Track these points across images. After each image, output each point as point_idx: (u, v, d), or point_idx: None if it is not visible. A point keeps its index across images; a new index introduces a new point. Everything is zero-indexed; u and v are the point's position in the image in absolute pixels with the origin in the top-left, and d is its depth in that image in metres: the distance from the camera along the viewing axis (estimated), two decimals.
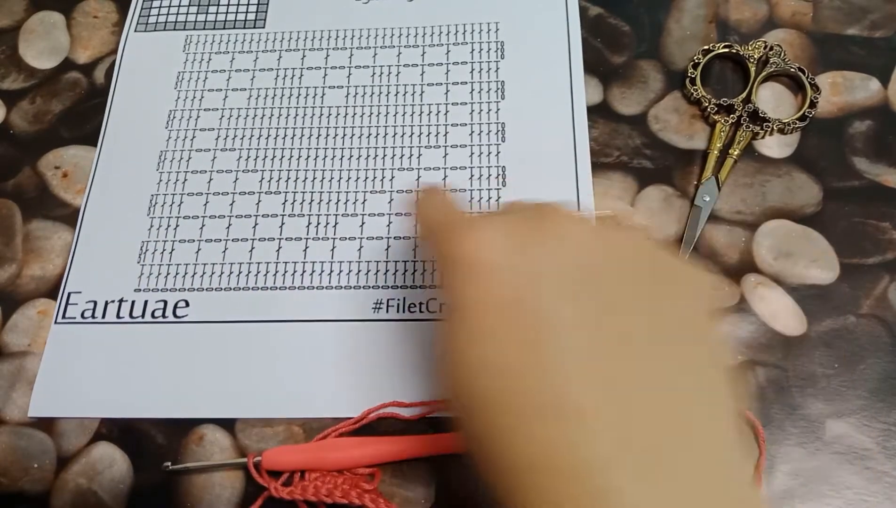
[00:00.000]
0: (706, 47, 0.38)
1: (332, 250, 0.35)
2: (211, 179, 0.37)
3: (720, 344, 0.21)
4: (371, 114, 0.38)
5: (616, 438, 0.17)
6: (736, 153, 0.36)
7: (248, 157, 0.37)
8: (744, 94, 0.37)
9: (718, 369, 0.19)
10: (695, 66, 0.38)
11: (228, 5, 0.42)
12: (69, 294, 0.35)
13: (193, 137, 0.38)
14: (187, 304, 0.34)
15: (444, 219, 0.22)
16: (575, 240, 0.19)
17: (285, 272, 0.34)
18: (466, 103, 0.38)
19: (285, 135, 0.38)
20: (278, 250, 0.35)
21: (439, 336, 0.20)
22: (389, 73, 0.39)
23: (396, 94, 0.38)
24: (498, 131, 0.37)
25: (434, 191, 0.25)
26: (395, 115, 0.38)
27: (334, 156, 0.37)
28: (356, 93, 0.39)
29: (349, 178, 0.36)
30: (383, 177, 0.36)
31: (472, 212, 0.23)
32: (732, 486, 0.18)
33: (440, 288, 0.20)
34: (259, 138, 0.38)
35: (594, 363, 0.18)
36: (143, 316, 0.34)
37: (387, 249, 0.34)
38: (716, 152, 0.36)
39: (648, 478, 0.17)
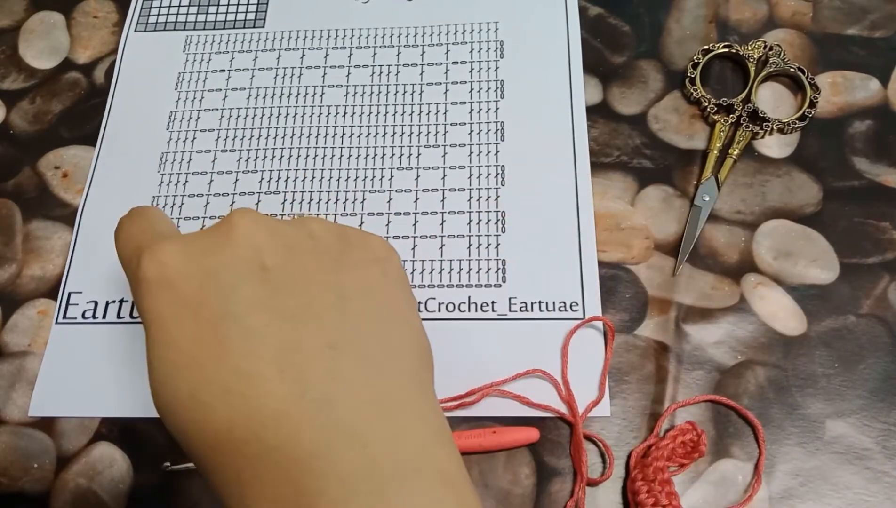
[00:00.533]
0: (706, 47, 0.38)
1: None
2: (211, 180, 0.37)
3: (399, 300, 0.23)
4: (370, 113, 0.38)
5: (291, 393, 0.18)
6: (736, 153, 0.36)
7: (248, 158, 0.37)
8: (743, 94, 0.37)
9: (398, 322, 0.22)
10: (694, 66, 0.38)
11: (228, 5, 0.42)
12: (69, 294, 0.35)
13: (194, 139, 0.38)
14: None
15: (136, 242, 0.22)
16: (248, 238, 0.21)
17: None
18: (466, 102, 0.38)
19: (285, 135, 0.38)
20: None
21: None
22: (389, 72, 0.39)
23: (396, 94, 0.38)
24: (497, 130, 0.37)
25: (137, 214, 0.25)
26: (394, 115, 0.38)
27: (333, 156, 0.37)
28: (356, 93, 0.39)
29: (348, 177, 0.36)
30: (382, 177, 0.36)
31: (168, 231, 0.24)
32: (419, 435, 0.19)
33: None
34: (259, 138, 0.38)
35: (271, 336, 0.19)
36: None
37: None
38: (715, 152, 0.36)
39: (327, 426, 0.18)
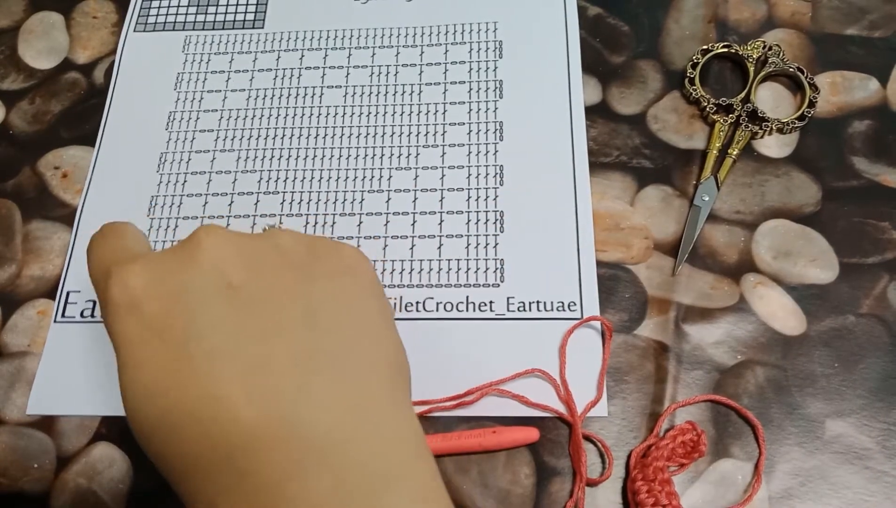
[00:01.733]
0: (705, 47, 0.38)
1: None
2: (210, 180, 0.37)
3: (372, 310, 0.22)
4: (369, 113, 0.38)
5: (259, 416, 0.18)
6: (735, 153, 0.36)
7: (247, 158, 0.37)
8: (743, 94, 0.37)
9: (372, 333, 0.21)
10: (694, 66, 0.38)
11: (227, 5, 0.42)
12: (68, 293, 0.35)
13: (193, 139, 0.38)
14: None
15: (105, 263, 0.22)
16: (213, 257, 0.20)
17: None
18: (465, 102, 0.38)
19: (284, 135, 0.38)
20: None
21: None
22: (388, 72, 0.39)
23: (395, 94, 0.39)
24: (496, 130, 0.37)
25: (108, 232, 0.24)
26: (393, 115, 0.38)
27: (332, 156, 0.37)
28: (355, 93, 0.39)
29: (347, 178, 0.36)
30: (381, 177, 0.36)
31: (138, 250, 0.23)
32: (395, 450, 0.19)
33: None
34: (258, 138, 0.38)
35: (237, 357, 0.19)
36: None
37: (384, 248, 0.34)
38: (715, 152, 0.36)
39: (298, 448, 0.18)
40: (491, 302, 0.33)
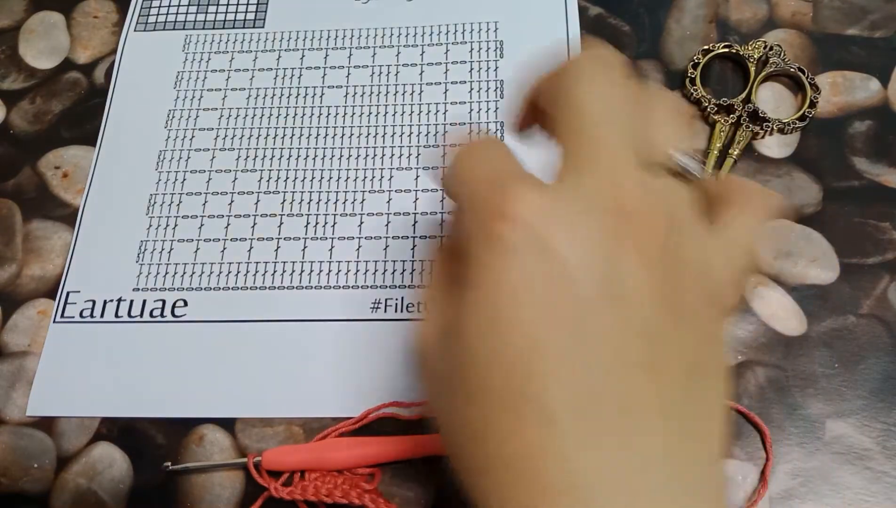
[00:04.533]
0: (706, 47, 0.38)
1: (331, 250, 0.35)
2: (210, 179, 0.37)
3: (726, 368, 0.19)
4: (370, 113, 0.38)
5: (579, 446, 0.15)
6: (736, 153, 0.36)
7: (247, 157, 0.37)
8: (744, 94, 0.37)
9: (714, 418, 0.17)
10: (695, 66, 0.38)
11: (228, 5, 0.42)
12: (68, 293, 0.35)
13: (192, 137, 0.38)
14: (185, 304, 0.34)
15: (492, 174, 0.18)
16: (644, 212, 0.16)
17: (284, 272, 0.34)
18: (465, 102, 0.38)
19: (284, 135, 0.38)
20: (277, 250, 0.35)
21: (435, 315, 0.18)
22: (388, 72, 0.39)
23: (395, 94, 0.38)
24: (497, 131, 0.37)
25: (489, 144, 0.20)
26: (394, 115, 0.38)
27: (333, 156, 0.37)
28: (355, 93, 0.39)
29: (348, 178, 0.36)
30: (382, 177, 0.36)
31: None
32: None
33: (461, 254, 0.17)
34: (258, 138, 0.38)
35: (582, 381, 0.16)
36: (141, 315, 0.34)
37: (385, 249, 0.34)
38: (716, 152, 0.36)
39: (611, 493, 0.15)
40: None
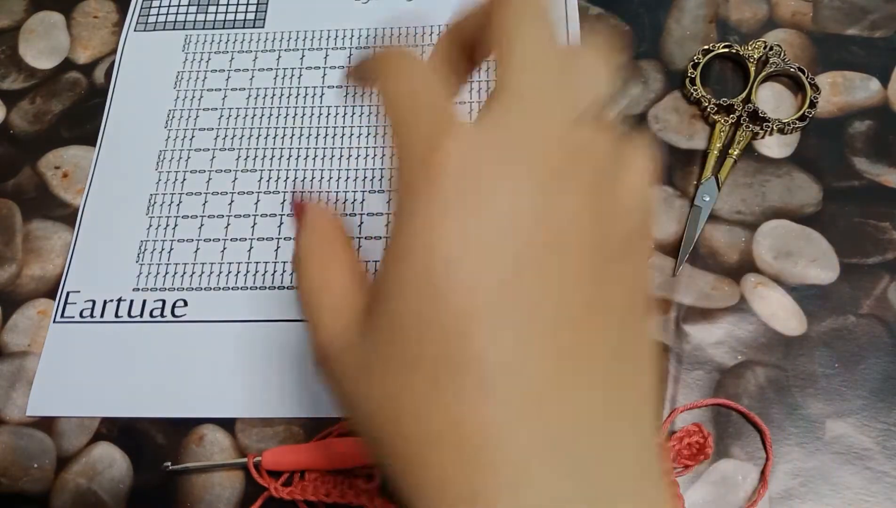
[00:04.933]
0: (706, 47, 0.38)
1: None
2: (210, 179, 0.37)
3: (652, 325, 0.19)
4: (370, 113, 0.38)
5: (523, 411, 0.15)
6: (736, 153, 0.36)
7: (247, 157, 0.37)
8: (744, 94, 0.37)
9: (648, 357, 0.17)
10: (695, 66, 0.38)
11: (228, 5, 0.42)
12: (68, 293, 0.35)
13: (192, 137, 0.38)
14: (185, 304, 0.34)
15: (423, 98, 0.17)
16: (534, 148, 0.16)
17: (283, 272, 0.34)
18: (465, 102, 0.38)
19: (284, 135, 0.38)
20: (276, 250, 0.35)
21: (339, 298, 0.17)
22: None
23: None
24: None
25: (415, 63, 0.18)
26: None
27: (332, 156, 0.37)
28: (355, 93, 0.39)
29: (348, 178, 0.36)
30: (382, 177, 0.36)
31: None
32: (643, 487, 0.16)
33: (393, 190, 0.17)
34: (258, 138, 0.38)
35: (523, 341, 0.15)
36: (141, 315, 0.34)
37: (384, 248, 0.34)
38: (716, 152, 0.36)
39: (553, 465, 0.15)
40: None
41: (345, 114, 0.38)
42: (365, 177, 0.36)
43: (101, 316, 0.34)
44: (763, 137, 0.36)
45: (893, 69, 0.38)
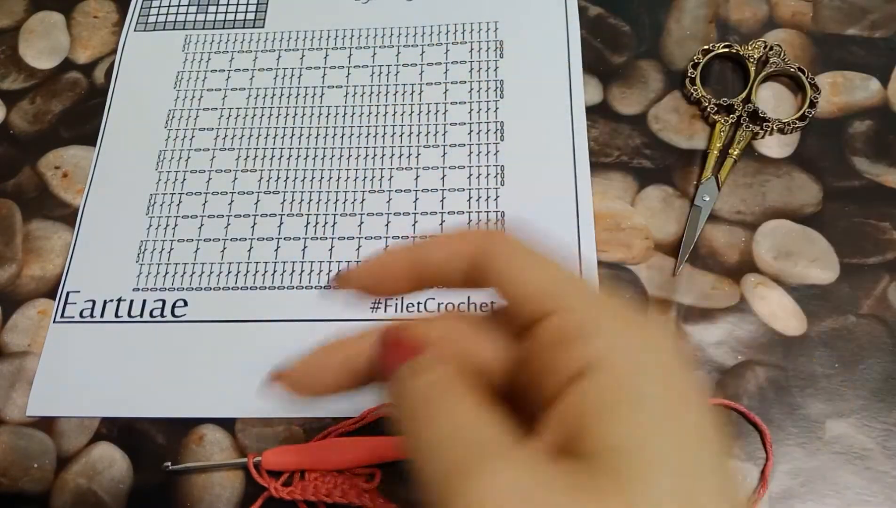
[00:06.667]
0: (706, 47, 0.38)
1: (331, 250, 0.35)
2: (210, 179, 0.37)
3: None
4: (370, 113, 0.38)
5: None
6: (736, 153, 0.36)
7: (247, 157, 0.37)
8: (744, 94, 0.37)
9: None
10: (695, 66, 0.38)
11: (228, 5, 0.42)
12: (68, 293, 0.35)
13: (192, 137, 0.38)
14: (186, 304, 0.34)
15: (451, 434, 0.14)
16: None
17: (283, 271, 0.34)
18: (465, 102, 0.38)
19: (284, 135, 0.38)
20: (276, 250, 0.35)
21: None
22: (388, 72, 0.39)
23: (395, 94, 0.38)
24: (497, 130, 0.37)
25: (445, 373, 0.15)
26: (393, 115, 0.38)
27: (333, 156, 0.37)
28: (355, 93, 0.39)
29: (348, 178, 0.36)
30: (382, 177, 0.36)
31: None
32: None
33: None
34: (258, 138, 0.38)
35: None
36: (141, 315, 0.34)
37: (385, 249, 0.34)
38: (716, 152, 0.36)
39: None
40: (492, 303, 0.33)
41: (345, 114, 0.38)
42: (365, 177, 0.36)
43: (101, 316, 0.34)
44: (763, 137, 0.36)
45: (893, 69, 0.38)
